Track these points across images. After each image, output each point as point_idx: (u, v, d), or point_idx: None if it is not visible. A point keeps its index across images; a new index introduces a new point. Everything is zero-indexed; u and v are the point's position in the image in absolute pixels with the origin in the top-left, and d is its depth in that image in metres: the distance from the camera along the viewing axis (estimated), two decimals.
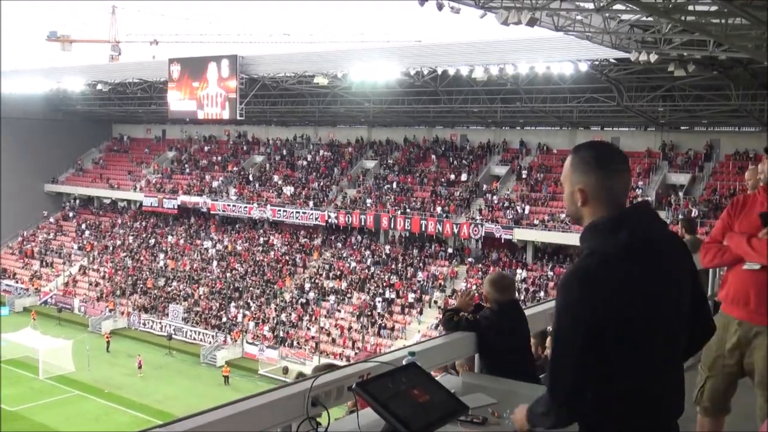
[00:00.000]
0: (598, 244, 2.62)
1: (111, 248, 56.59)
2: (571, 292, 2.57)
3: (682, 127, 41.91)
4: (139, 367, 39.74)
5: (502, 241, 41.53)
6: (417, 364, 3.21)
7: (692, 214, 36.25)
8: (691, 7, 17.32)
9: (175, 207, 54.43)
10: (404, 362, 3.28)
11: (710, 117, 38.07)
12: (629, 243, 2.62)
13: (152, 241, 55.50)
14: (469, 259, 43.07)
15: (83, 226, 60.18)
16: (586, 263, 2.60)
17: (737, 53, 23.64)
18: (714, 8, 16.97)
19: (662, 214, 28.00)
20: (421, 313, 40.83)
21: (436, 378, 3.54)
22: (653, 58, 24.56)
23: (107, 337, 44.58)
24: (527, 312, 4.77)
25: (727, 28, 18.11)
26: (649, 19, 21.60)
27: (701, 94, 34.06)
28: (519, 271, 40.30)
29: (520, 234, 40.67)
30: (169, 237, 55.13)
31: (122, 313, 49.13)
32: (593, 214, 2.67)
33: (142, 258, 54.13)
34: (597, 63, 32.19)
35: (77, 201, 63.40)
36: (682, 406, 2.77)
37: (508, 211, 42.08)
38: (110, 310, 49.35)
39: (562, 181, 2.81)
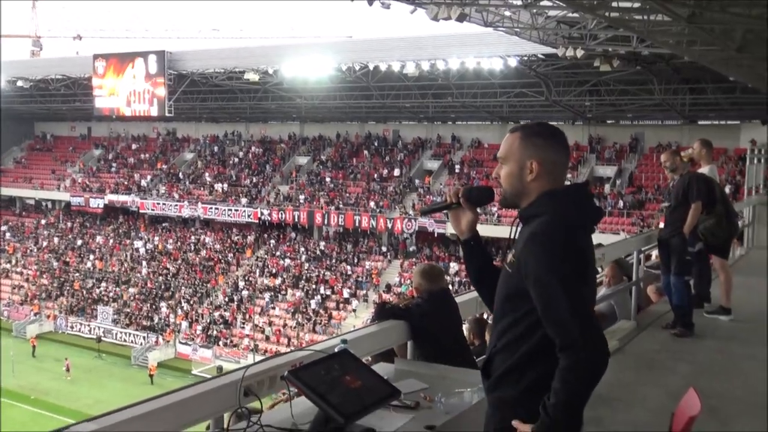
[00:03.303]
0: (562, 210, 2.55)
1: (35, 250, 54.80)
2: (553, 250, 2.44)
3: (608, 121, 43.00)
4: (67, 371, 38.63)
5: (436, 235, 41.88)
6: (349, 351, 3.21)
7: (619, 205, 37.46)
8: (615, 3, 17.70)
9: (101, 206, 53.02)
10: (336, 350, 3.27)
11: (635, 111, 39.17)
12: (594, 214, 2.67)
13: (79, 241, 53.96)
14: (412, 248, 43.15)
15: (4, 227, 58.05)
16: (557, 225, 2.50)
17: (659, 49, 24.35)
18: (636, 5, 17.36)
19: None
20: (355, 309, 40.87)
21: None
22: (579, 53, 25.15)
23: (33, 342, 43.15)
24: (458, 299, 4.82)
25: (649, 24, 18.57)
26: (575, 15, 22.08)
27: (626, 88, 34.96)
28: (452, 264, 40.71)
29: (453, 228, 40.99)
30: (97, 237, 53.69)
31: (48, 317, 47.62)
32: (542, 188, 2.61)
33: (68, 259, 52.56)
34: (526, 58, 32.69)
35: None
36: None
37: None
38: (35, 314, 47.77)
39: (503, 158, 2.69)
